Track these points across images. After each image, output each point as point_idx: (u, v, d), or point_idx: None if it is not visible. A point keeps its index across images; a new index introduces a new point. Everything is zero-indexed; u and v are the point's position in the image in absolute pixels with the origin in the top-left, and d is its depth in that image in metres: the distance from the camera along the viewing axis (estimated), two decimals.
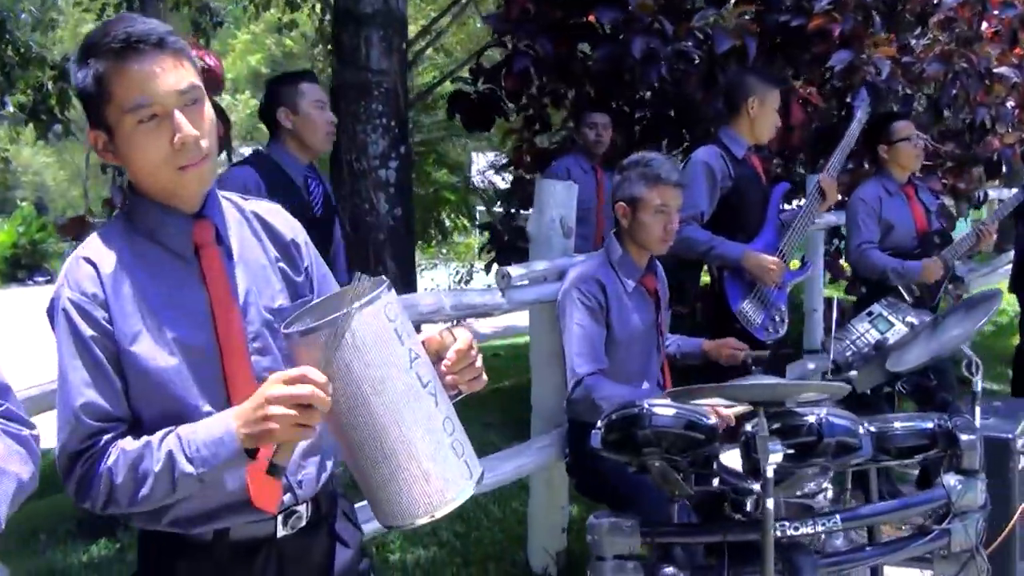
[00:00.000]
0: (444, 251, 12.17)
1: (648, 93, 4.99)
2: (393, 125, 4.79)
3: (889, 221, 3.84)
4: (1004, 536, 2.62)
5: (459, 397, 1.36)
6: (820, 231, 5.03)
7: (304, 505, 1.45)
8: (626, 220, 2.70)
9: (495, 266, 4.38)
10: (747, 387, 1.97)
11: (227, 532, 1.39)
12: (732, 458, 2.22)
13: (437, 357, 1.33)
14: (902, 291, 3.80)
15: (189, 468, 1.27)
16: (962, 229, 4.22)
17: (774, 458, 1.87)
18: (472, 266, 11.54)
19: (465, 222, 10.30)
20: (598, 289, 2.66)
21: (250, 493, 1.37)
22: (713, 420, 2.12)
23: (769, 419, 1.99)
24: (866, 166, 5.15)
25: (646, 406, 2.07)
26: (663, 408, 2.07)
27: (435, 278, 11.33)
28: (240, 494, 1.37)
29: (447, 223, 10.35)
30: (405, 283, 4.80)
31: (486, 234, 5.54)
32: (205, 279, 1.37)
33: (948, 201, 5.65)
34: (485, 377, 1.37)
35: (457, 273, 11.64)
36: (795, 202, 4.53)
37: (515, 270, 2.88)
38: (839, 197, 3.55)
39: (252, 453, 1.28)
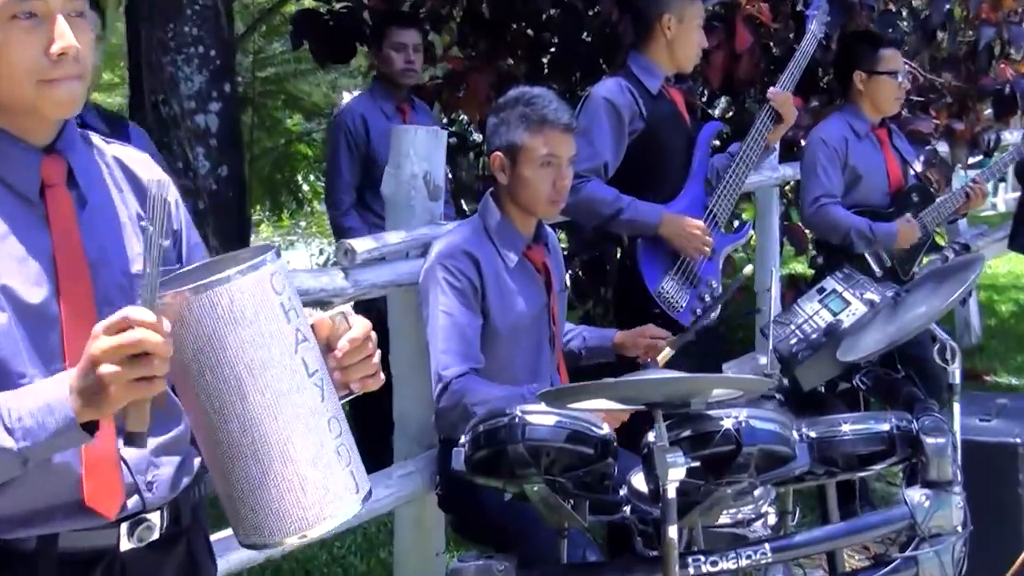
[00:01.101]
0: (303, 224, 12.06)
1: (556, 10, 5.08)
2: (214, 55, 4.73)
3: (856, 169, 4.04)
4: (1018, 566, 2.78)
5: (349, 397, 1.46)
6: (773, 185, 5.23)
7: (156, 513, 1.48)
8: (504, 175, 2.77)
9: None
10: (641, 383, 2.05)
11: (55, 540, 1.40)
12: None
13: (327, 346, 1.42)
14: (869, 261, 3.99)
15: (8, 442, 1.27)
16: (965, 183, 4.42)
17: (675, 474, 1.96)
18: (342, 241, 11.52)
19: None
20: (470, 265, 2.73)
21: (83, 489, 1.39)
22: (606, 429, 2.20)
23: (671, 425, 2.09)
24: (838, 103, 5.37)
25: (518, 414, 2.14)
26: (539, 416, 2.14)
27: (291, 260, 11.24)
28: (72, 490, 1.38)
29: (304, 187, 10.27)
30: None
31: None
32: (50, 226, 1.41)
33: (943, 148, 5.85)
34: (382, 376, 1.47)
35: (321, 253, 11.57)
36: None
37: (362, 243, 2.93)
38: (795, 119, 3.68)
39: (91, 428, 1.29)
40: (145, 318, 1.24)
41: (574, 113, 2.86)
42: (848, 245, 3.96)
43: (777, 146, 4.08)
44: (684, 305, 3.39)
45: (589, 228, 3.55)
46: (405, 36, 4.43)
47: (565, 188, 2.77)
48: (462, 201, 5.70)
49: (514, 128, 2.73)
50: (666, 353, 2.87)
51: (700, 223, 3.38)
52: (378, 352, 1.46)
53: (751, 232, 3.91)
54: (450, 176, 5.92)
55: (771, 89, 3.62)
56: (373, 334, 1.46)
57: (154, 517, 1.48)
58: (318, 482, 1.32)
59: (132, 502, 1.45)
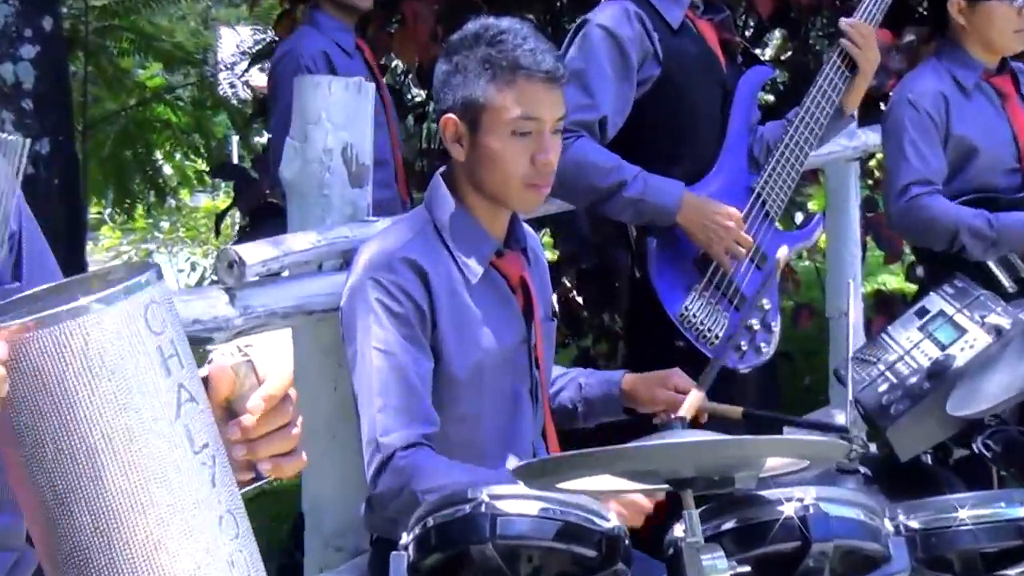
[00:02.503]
0: (165, 226, 12.04)
1: None
2: None
3: (965, 139, 4.06)
4: None
5: (256, 485, 1.44)
6: (851, 159, 5.27)
7: None
8: (460, 148, 2.77)
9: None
10: (662, 451, 2.06)
11: None
12: None
13: (226, 409, 1.42)
14: (994, 270, 4.00)
15: None
16: None
17: None
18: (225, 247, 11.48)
19: (203, 166, 10.23)
20: (414, 280, 2.72)
21: None
22: (614, 521, 2.21)
23: (708, 513, 2.10)
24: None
25: (484, 499, 2.14)
26: (516, 502, 2.15)
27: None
28: None
29: (168, 169, 10.23)
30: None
31: (227, 189, 5.60)
32: None
33: None
34: (304, 455, 1.47)
35: (194, 268, 11.54)
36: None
37: (254, 251, 2.93)
38: (876, 66, 3.68)
39: None
40: None
41: (561, 55, 2.87)
42: (959, 251, 3.96)
43: (856, 111, 4.08)
44: (720, 335, 3.38)
45: (580, 209, 3.54)
46: None
47: (549, 166, 2.74)
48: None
49: (473, 78, 2.72)
50: (694, 401, 2.87)
51: (733, 211, 3.38)
52: (300, 417, 1.45)
53: (821, 229, 3.91)
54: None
55: (843, 20, 3.65)
56: (293, 391, 1.44)
57: None
58: None
59: None
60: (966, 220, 3.95)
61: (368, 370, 2.68)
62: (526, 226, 3.00)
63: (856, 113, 4.52)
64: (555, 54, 2.78)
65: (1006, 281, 3.99)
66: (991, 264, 4.00)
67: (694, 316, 3.38)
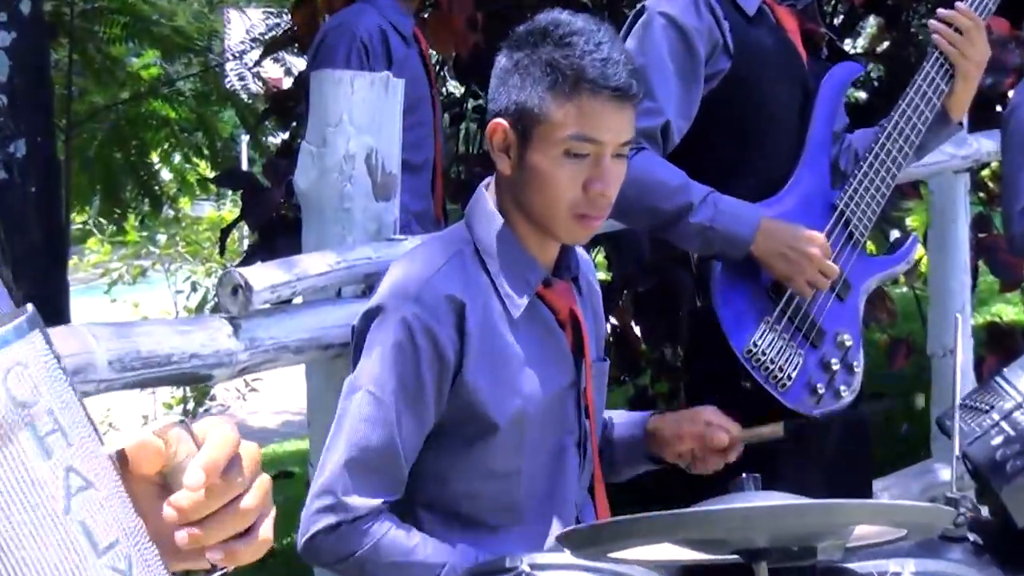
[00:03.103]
0: (162, 240, 12.10)
1: None
2: None
3: None
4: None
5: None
6: (959, 170, 5.25)
7: None
8: (506, 160, 2.75)
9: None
10: (729, 516, 2.04)
11: None
12: None
13: (160, 485, 1.33)
14: None
15: None
16: None
17: None
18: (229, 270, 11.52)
19: (207, 171, 10.27)
20: (447, 318, 2.71)
21: None
22: None
23: None
24: None
25: (526, 569, 2.15)
26: (561, 572, 2.17)
27: (142, 302, 11.27)
28: None
29: (166, 174, 10.29)
30: (48, 315, 4.80)
31: (234, 199, 5.63)
32: None
33: None
34: (269, 533, 1.36)
35: (195, 289, 11.59)
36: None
37: (263, 274, 2.94)
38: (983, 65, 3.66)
39: None
40: None
41: (636, 66, 2.83)
42: None
43: (966, 117, 4.05)
44: (794, 375, 3.38)
45: (641, 232, 3.53)
46: None
47: (605, 198, 2.72)
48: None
49: (532, 83, 2.69)
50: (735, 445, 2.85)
51: (819, 236, 3.35)
52: (262, 485, 1.35)
53: (917, 252, 3.87)
54: None
55: (942, 11, 3.61)
56: (253, 450, 1.35)
57: None
58: None
59: None
60: None
61: (354, 410, 2.69)
62: (580, 250, 3.00)
63: (965, 119, 4.52)
64: (631, 67, 2.74)
65: None
66: None
67: (763, 353, 3.34)
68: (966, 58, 3.52)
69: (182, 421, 1.32)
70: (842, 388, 3.44)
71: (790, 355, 3.35)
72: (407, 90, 4.13)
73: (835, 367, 3.41)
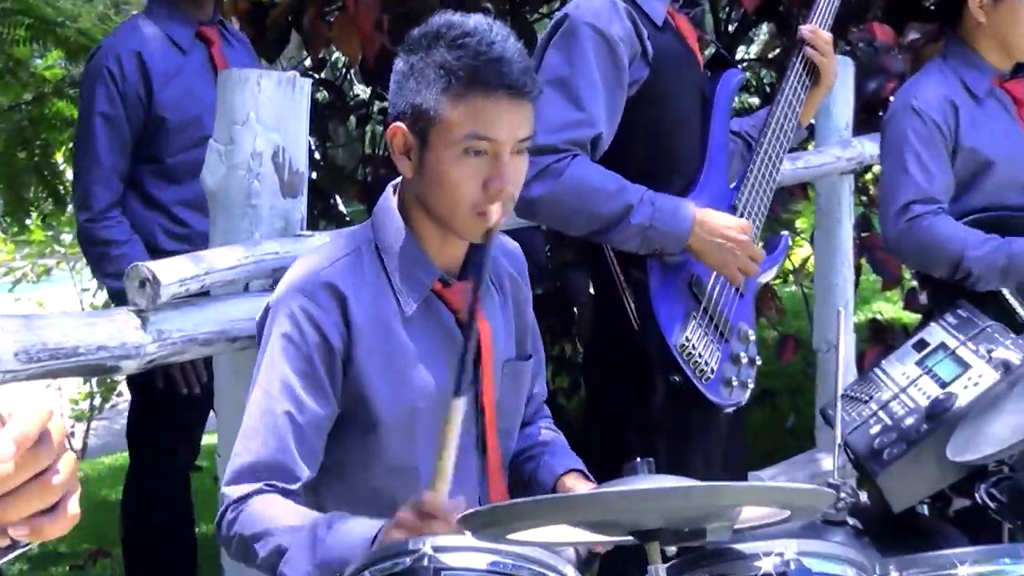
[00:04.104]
0: (67, 240, 11.95)
1: None
2: None
3: (977, 152, 4.10)
4: None
5: (9, 557, 1.34)
6: (844, 172, 5.32)
7: None
8: (408, 162, 2.75)
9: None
10: (625, 498, 2.07)
11: None
12: None
13: None
14: (1009, 299, 4.01)
15: None
16: None
17: None
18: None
19: None
20: (330, 307, 2.70)
21: None
22: (570, 574, 2.21)
23: (677, 568, 2.12)
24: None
25: (428, 551, 2.15)
26: (462, 554, 2.16)
27: (47, 300, 11.15)
28: None
29: (69, 174, 10.13)
30: None
31: None
32: None
33: None
34: (76, 508, 1.33)
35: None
36: None
37: (170, 268, 2.93)
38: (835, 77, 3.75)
39: None
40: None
41: (530, 63, 2.82)
42: (964, 278, 3.96)
43: (843, 119, 4.09)
44: (715, 368, 3.41)
45: (538, 239, 3.55)
46: None
47: (504, 194, 2.69)
48: (336, 199, 5.73)
49: (427, 85, 2.67)
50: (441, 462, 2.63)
51: (744, 222, 3.39)
52: (69, 459, 1.30)
53: (784, 248, 3.91)
54: (318, 156, 5.94)
55: (804, 27, 3.69)
56: (60, 426, 1.29)
57: None
58: None
59: None
60: (975, 245, 3.94)
61: (249, 407, 2.72)
62: (511, 247, 3.02)
63: (850, 123, 4.58)
64: (524, 65, 2.70)
65: (1023, 311, 3.99)
66: (1005, 292, 3.98)
67: (694, 347, 3.36)
68: (829, 68, 3.63)
69: None
70: (748, 380, 3.50)
71: (712, 349, 3.39)
72: (182, 104, 4.17)
73: (743, 360, 3.47)
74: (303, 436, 2.68)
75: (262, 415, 2.68)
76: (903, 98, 4.18)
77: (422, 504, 2.42)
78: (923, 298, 4.26)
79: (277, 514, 2.60)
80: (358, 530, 2.52)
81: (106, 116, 4.32)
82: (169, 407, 4.32)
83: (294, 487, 2.66)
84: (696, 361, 3.35)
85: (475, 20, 2.71)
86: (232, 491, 2.64)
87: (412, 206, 2.79)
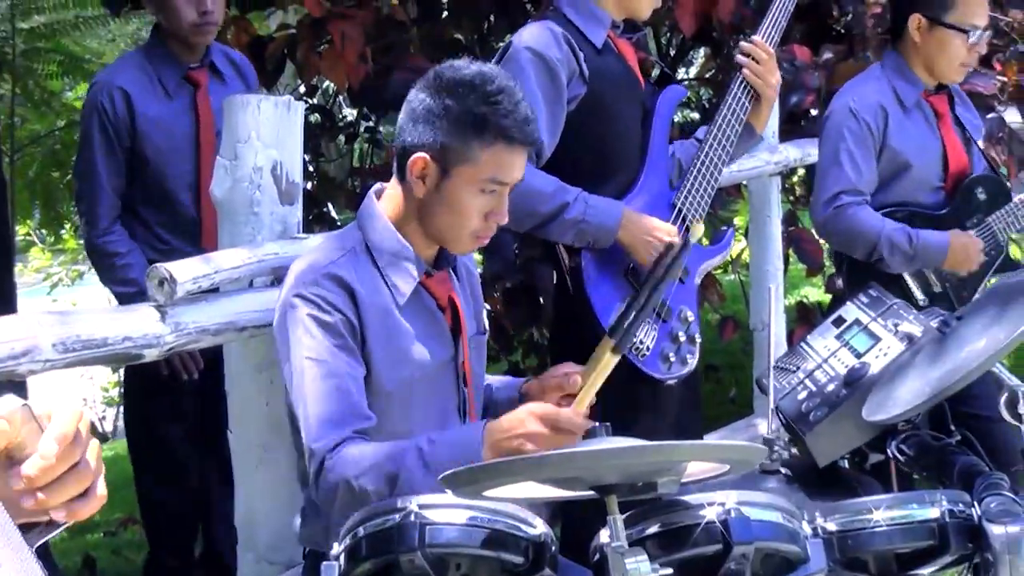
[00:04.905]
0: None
1: None
2: None
3: (900, 154, 4.16)
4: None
5: (52, 534, 1.36)
6: (772, 174, 5.37)
7: None
8: (423, 186, 2.77)
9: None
10: (582, 457, 2.10)
11: None
12: None
13: (6, 457, 1.32)
14: (910, 284, 4.09)
15: None
16: None
17: None
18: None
19: None
20: (341, 294, 2.74)
21: None
22: (540, 528, 2.26)
23: (632, 518, 2.15)
24: (862, 56, 5.48)
25: (414, 509, 2.19)
26: (444, 511, 2.20)
27: (80, 300, 11.11)
28: None
29: None
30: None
31: None
32: None
33: (1016, 119, 5.86)
34: (103, 489, 1.37)
35: None
36: None
37: (185, 268, 2.95)
38: (777, 89, 3.78)
39: None
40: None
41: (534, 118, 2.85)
42: (877, 261, 4.07)
43: (771, 128, 4.13)
44: (651, 346, 3.46)
45: (519, 232, 3.59)
46: None
47: (500, 224, 2.82)
48: (329, 206, 5.73)
49: (460, 127, 2.71)
50: (583, 391, 2.81)
51: (670, 226, 3.46)
52: (94, 448, 1.35)
53: (740, 245, 3.98)
54: (311, 169, 5.96)
55: (743, 44, 3.72)
56: (85, 424, 1.34)
57: None
58: None
59: None
60: (889, 233, 4.04)
61: (301, 381, 2.70)
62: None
63: (776, 130, 4.61)
64: (535, 119, 2.81)
65: (918, 293, 4.12)
66: (906, 276, 4.12)
67: None
68: (766, 83, 3.65)
69: (24, 405, 1.31)
70: (688, 356, 3.57)
71: (647, 329, 3.43)
72: (162, 147, 4.14)
73: (681, 338, 3.52)
74: (360, 388, 2.73)
75: (322, 378, 2.69)
76: (843, 99, 4.24)
77: (558, 420, 2.53)
78: (839, 281, 4.31)
79: (372, 451, 2.64)
80: (459, 437, 2.65)
81: (103, 143, 4.21)
82: (158, 388, 4.20)
83: (369, 428, 2.70)
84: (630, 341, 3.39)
85: (502, 78, 2.77)
86: (320, 446, 2.64)
87: (408, 215, 2.84)
